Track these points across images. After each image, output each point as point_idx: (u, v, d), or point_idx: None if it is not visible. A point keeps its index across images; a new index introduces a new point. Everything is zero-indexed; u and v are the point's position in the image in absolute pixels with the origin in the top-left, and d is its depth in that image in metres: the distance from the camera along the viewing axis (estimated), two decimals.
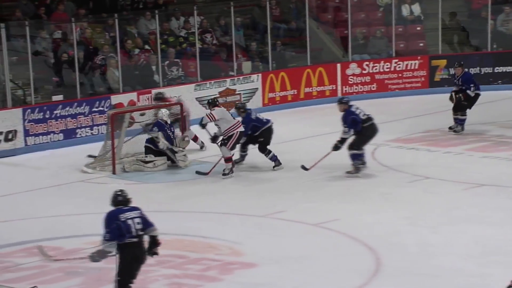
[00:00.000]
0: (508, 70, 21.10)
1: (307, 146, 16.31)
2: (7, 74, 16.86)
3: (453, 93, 16.58)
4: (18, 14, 18.48)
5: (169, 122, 15.17)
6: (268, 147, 14.64)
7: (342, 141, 13.91)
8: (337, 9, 22.19)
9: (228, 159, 14.33)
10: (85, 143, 16.53)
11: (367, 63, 20.94)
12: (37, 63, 17.49)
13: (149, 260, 10.62)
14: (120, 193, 8.86)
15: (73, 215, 12.68)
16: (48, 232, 11.80)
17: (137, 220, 8.70)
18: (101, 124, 17.07)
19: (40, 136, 16.80)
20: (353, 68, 20.83)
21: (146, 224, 8.77)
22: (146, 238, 8.83)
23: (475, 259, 10.21)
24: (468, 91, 16.40)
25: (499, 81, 21.02)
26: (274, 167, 14.60)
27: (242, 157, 14.95)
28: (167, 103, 16.05)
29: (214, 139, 14.46)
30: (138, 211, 8.79)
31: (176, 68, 19.21)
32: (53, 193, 13.70)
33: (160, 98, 16.12)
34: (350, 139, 13.97)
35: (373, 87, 20.87)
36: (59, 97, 17.41)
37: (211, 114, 14.38)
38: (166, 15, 20.05)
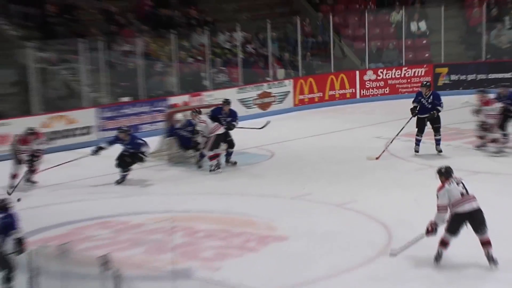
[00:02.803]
0: (499, 77, 20.86)
1: (332, 139, 16.31)
2: (84, 80, 17.01)
3: (420, 113, 14.40)
4: (94, 30, 18.63)
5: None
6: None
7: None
8: (356, 25, 22.08)
9: (211, 157, 13.96)
10: (147, 137, 16.57)
11: (381, 70, 20.87)
12: (109, 71, 17.62)
13: (199, 233, 10.72)
14: None
15: (137, 195, 12.79)
16: (117, 209, 11.91)
17: None
18: (160, 121, 17.15)
19: (110, 131, 16.91)
20: (369, 75, 20.75)
21: (7, 228, 8.08)
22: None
23: (470, 231, 10.11)
24: (438, 107, 14.31)
25: (492, 86, 20.75)
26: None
27: (123, 177, 13.51)
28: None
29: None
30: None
31: (222, 74, 19.26)
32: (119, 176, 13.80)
33: (31, 133, 13.42)
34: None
35: (386, 91, 20.78)
36: (126, 99, 17.54)
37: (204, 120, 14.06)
38: (214, 31, 20.09)
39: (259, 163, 14.66)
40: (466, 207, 8.98)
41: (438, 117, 14.47)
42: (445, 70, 20.95)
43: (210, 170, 13.95)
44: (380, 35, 21.79)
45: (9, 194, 12.22)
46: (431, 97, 14.34)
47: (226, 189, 13.03)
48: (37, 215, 11.58)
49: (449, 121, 16.94)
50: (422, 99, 14.38)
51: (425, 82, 14.95)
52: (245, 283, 8.62)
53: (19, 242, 7.97)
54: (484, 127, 14.67)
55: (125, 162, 13.44)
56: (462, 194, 9.03)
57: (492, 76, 20.90)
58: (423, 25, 21.88)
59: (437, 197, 9.05)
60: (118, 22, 19.35)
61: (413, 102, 14.59)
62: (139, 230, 10.90)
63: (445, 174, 9.19)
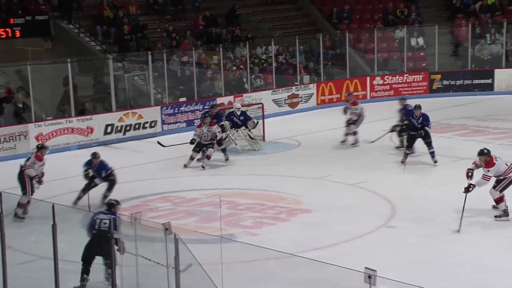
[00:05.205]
0: (481, 82, 20.48)
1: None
2: (151, 84, 17.05)
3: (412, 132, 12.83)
4: (158, 45, 18.67)
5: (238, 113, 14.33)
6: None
7: None
8: (367, 40, 21.84)
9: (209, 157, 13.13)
10: None
11: (387, 76, 20.59)
12: (170, 77, 17.63)
13: (241, 206, 10.68)
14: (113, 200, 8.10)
15: (192, 176, 12.80)
16: (175, 187, 11.93)
17: (104, 221, 7.52)
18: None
19: (171, 124, 16.97)
20: (377, 80, 20.50)
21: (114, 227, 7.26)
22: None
23: (456, 201, 9.93)
24: (426, 128, 12.65)
25: (476, 89, 20.53)
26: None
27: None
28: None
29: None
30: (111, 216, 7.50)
31: (259, 79, 19.15)
32: (178, 160, 13.79)
33: (42, 148, 10.67)
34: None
35: (391, 93, 20.48)
36: (183, 99, 17.54)
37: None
38: (253, 45, 20.00)
39: (288, 150, 14.58)
40: None
41: (428, 134, 12.81)
42: (438, 76, 20.68)
43: (204, 166, 13.05)
44: (386, 48, 21.53)
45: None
46: (421, 118, 12.68)
47: (262, 171, 12.99)
48: (114, 191, 11.66)
49: (442, 117, 16.72)
50: (413, 119, 12.77)
51: (416, 104, 13.05)
52: (277, 245, 8.58)
53: (117, 242, 7.26)
54: (349, 123, 14.60)
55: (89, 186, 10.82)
56: (506, 164, 9.39)
57: (476, 81, 20.62)
58: (421, 40, 21.64)
59: (488, 171, 9.25)
60: (177, 38, 19.34)
61: (406, 119, 13.24)
62: (193, 203, 10.92)
63: (488, 153, 9.36)
